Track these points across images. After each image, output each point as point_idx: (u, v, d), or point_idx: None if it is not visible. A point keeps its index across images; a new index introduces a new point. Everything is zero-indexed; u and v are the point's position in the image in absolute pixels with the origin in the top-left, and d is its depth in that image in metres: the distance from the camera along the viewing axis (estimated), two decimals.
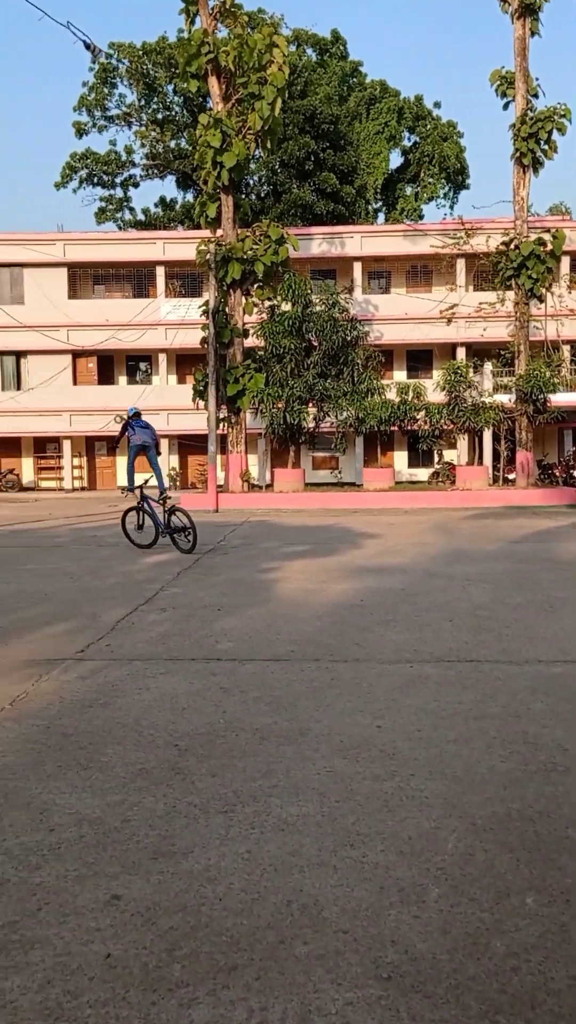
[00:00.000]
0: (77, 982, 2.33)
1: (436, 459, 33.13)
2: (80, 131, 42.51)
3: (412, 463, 36.14)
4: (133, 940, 2.52)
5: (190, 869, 2.94)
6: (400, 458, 36.52)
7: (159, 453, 14.03)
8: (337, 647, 6.31)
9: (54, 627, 7.36)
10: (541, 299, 28.18)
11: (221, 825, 3.27)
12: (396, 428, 26.89)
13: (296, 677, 5.46)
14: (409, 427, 26.92)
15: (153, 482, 13.47)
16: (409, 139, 45.96)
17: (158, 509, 13.15)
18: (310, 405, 26.14)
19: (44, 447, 37.24)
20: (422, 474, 34.39)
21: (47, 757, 4.06)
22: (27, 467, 37.42)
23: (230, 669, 5.69)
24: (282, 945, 2.50)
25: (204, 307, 26.08)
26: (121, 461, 37.40)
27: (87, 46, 17.49)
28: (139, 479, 13.45)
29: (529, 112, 26.07)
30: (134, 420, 13.58)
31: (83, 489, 36.44)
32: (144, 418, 13.99)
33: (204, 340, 25.78)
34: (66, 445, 35.97)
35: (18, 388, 35.73)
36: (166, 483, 13.66)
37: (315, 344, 26.35)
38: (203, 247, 25.80)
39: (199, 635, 6.85)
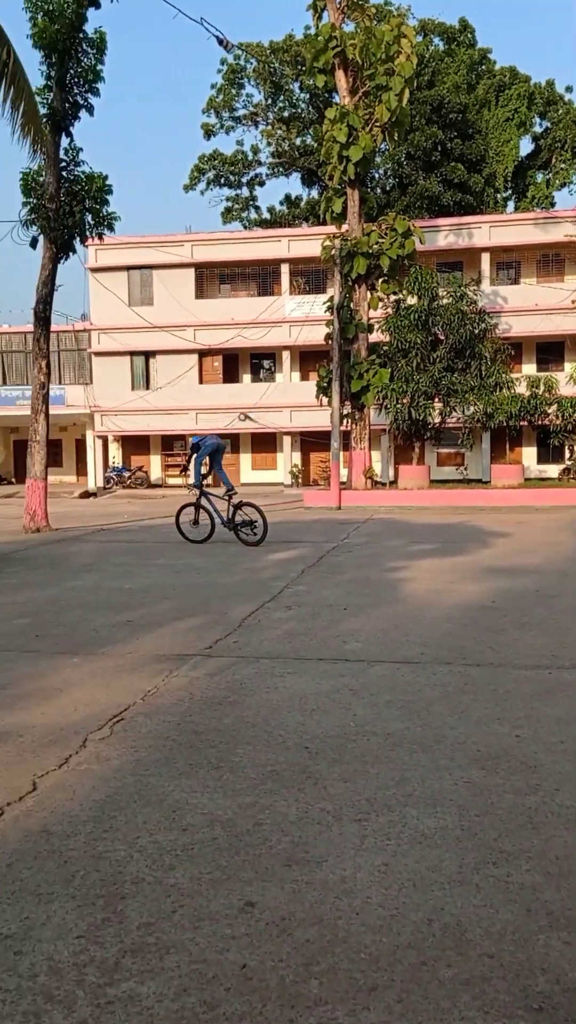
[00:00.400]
0: (213, 992, 2.27)
1: (568, 455, 32.00)
2: (208, 133, 43.26)
3: (542, 459, 35.04)
4: (269, 951, 2.46)
5: (325, 879, 2.85)
6: (529, 454, 35.47)
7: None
8: (470, 650, 6.11)
9: (183, 622, 7.44)
10: None
11: (355, 834, 3.17)
12: (525, 423, 26.12)
13: (428, 681, 5.30)
14: (539, 422, 26.09)
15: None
16: (540, 125, 44.54)
17: (222, 505, 13.94)
18: (436, 400, 25.69)
19: (171, 445, 38.10)
20: (552, 471, 33.29)
21: (178, 754, 4.06)
22: (155, 464, 38.38)
23: (359, 670, 5.59)
24: (424, 967, 2.38)
25: (328, 303, 26.03)
26: (245, 459, 37.88)
27: (220, 41, 17.86)
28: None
29: None
30: (202, 440, 14.59)
31: (208, 486, 37.13)
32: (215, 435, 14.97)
33: (328, 336, 25.74)
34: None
35: (147, 387, 36.65)
36: (231, 482, 14.57)
37: (442, 338, 25.88)
38: (328, 243, 25.75)
39: (326, 634, 6.77)
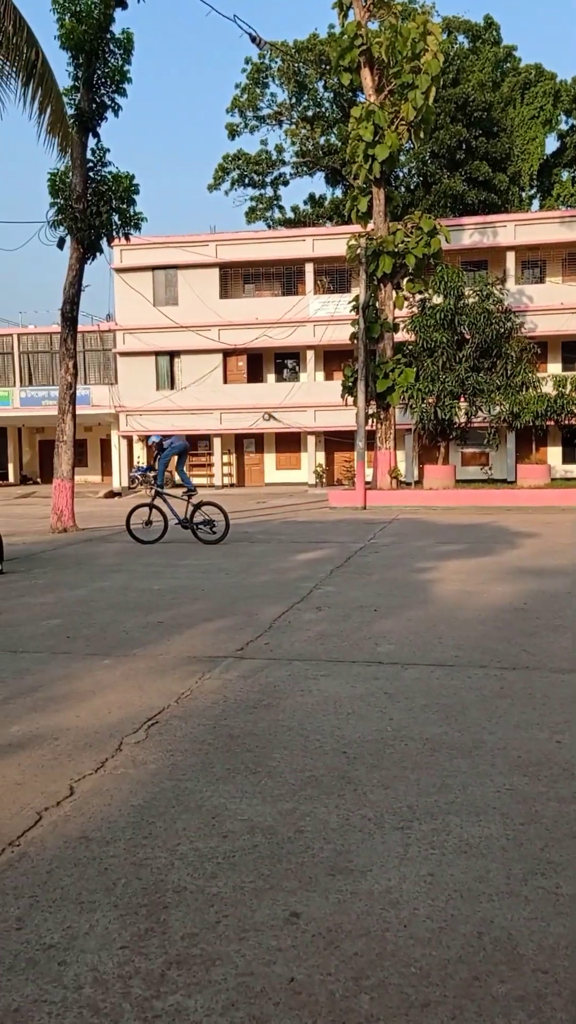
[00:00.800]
0: (262, 1007, 2.23)
1: None
2: (233, 133, 43.27)
3: (567, 459, 34.74)
4: (316, 964, 2.40)
5: (370, 889, 2.80)
6: (554, 454, 35.18)
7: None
8: (504, 653, 6.02)
9: (213, 623, 7.41)
10: None
11: (399, 843, 3.11)
12: (551, 423, 25.88)
13: (463, 684, 5.23)
14: (566, 422, 25.85)
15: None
16: (566, 123, 44.18)
17: (180, 505, 14.29)
18: (462, 400, 25.52)
19: (195, 444, 38.16)
20: None
21: (215, 759, 4.02)
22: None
23: (392, 673, 5.52)
24: (477, 982, 2.32)
25: (353, 302, 25.94)
26: (269, 458, 37.85)
27: (253, 39, 17.98)
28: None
29: None
30: (165, 440, 14.87)
31: (232, 486, 37.05)
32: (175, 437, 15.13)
33: (353, 336, 25.64)
34: (216, 442, 36.67)
35: (172, 387, 36.71)
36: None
37: (467, 337, 25.70)
38: (353, 242, 25.65)
39: (357, 636, 6.71)
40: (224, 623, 7.43)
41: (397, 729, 4.39)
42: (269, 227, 46.01)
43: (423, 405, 25.13)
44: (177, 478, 15.42)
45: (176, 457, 14.68)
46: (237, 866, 2.96)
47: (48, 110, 13.01)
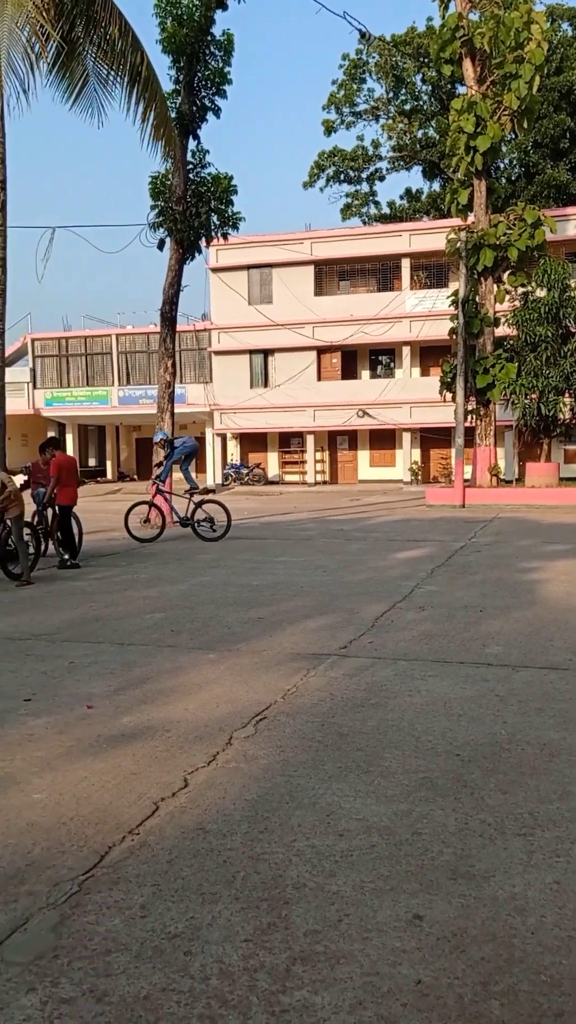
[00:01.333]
0: (390, 1007, 2.21)
1: None
2: (329, 129, 43.21)
3: None
4: (443, 967, 2.37)
5: (494, 895, 2.74)
6: None
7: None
8: None
9: (314, 621, 7.42)
10: None
11: (521, 849, 3.04)
12: None
13: None
14: None
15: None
16: None
17: (182, 504, 14.96)
18: (566, 395, 24.87)
19: (288, 442, 38.30)
20: None
21: (326, 756, 4.01)
22: (272, 461, 38.67)
23: (503, 676, 5.42)
24: None
25: (452, 297, 25.56)
26: (363, 455, 37.72)
27: (362, 35, 18.11)
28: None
29: None
30: (176, 440, 15.51)
31: (325, 483, 37.07)
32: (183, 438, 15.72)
33: (452, 331, 25.28)
34: (309, 440, 36.73)
35: (265, 385, 36.95)
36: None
37: (573, 331, 25.03)
38: (453, 235, 25.28)
39: (464, 637, 6.61)
40: (325, 620, 7.42)
41: (512, 733, 4.30)
42: (364, 223, 45.80)
43: (525, 401, 24.58)
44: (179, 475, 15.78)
45: (183, 457, 15.17)
46: (356, 865, 2.95)
47: (152, 114, 13.23)
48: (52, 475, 11.59)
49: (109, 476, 43.04)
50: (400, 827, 3.23)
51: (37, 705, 5.01)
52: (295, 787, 3.64)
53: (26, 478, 12.67)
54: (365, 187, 45.47)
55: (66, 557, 11.60)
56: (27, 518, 10.96)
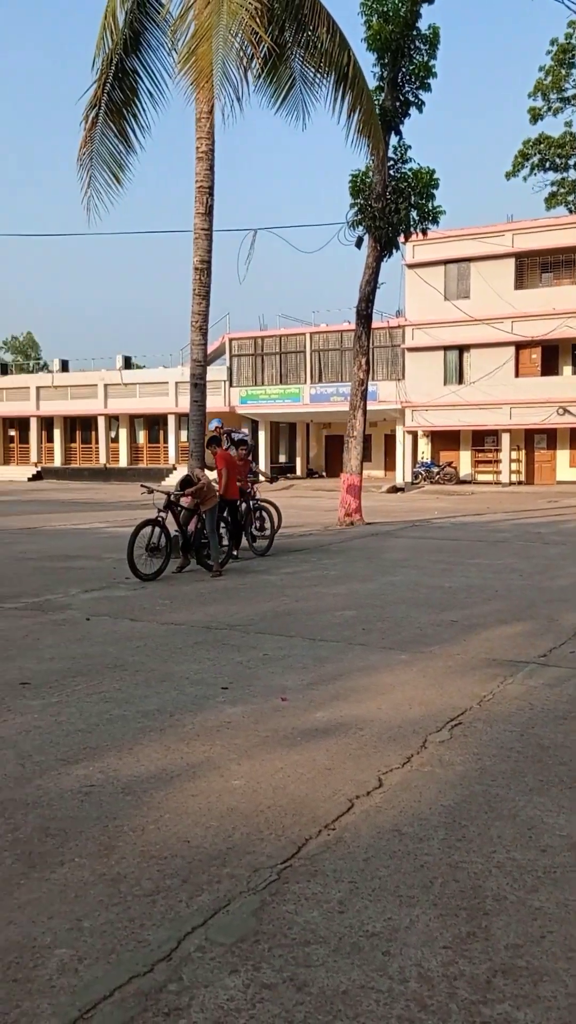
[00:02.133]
0: None
1: None
2: (535, 116, 41.86)
3: None
4: None
5: None
6: None
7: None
8: None
9: (510, 627, 7.23)
10: None
11: None
12: None
13: None
14: None
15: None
16: None
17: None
18: None
19: (482, 440, 37.48)
20: None
21: (526, 768, 3.91)
22: (464, 460, 38.00)
23: None
24: None
25: None
26: (563, 455, 36.29)
27: None
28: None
29: None
30: (234, 433, 13.15)
31: (520, 483, 36.00)
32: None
33: None
34: (504, 438, 35.78)
35: (460, 382, 36.36)
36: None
37: None
38: None
39: None
40: (522, 627, 7.22)
41: None
42: (571, 212, 44.02)
43: None
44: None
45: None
46: (559, 883, 2.86)
47: (358, 112, 13.32)
48: (219, 468, 11.43)
49: (299, 472, 43.84)
50: None
51: (234, 694, 5.19)
52: (493, 797, 3.58)
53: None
54: (573, 174, 43.68)
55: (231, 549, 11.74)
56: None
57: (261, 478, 13.88)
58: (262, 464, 40.14)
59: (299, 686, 5.37)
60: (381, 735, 4.39)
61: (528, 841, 3.16)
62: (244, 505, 12.49)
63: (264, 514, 12.71)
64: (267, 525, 12.75)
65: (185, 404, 39.09)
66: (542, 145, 41.78)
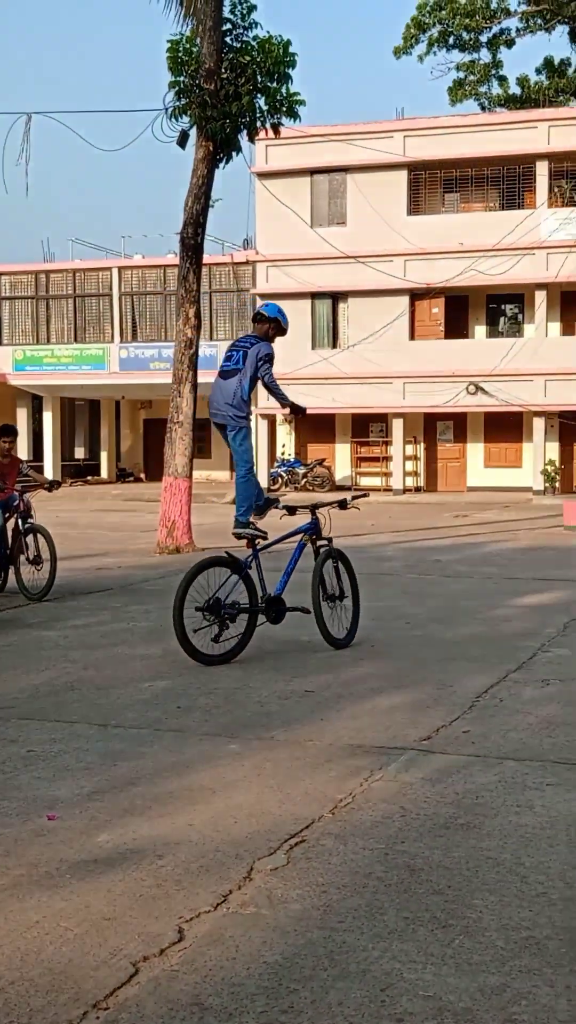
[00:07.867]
0: None
1: None
2: None
3: None
4: None
5: None
6: None
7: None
8: None
9: (387, 697, 7.45)
10: None
11: None
12: None
13: None
14: None
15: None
16: None
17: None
18: None
19: (366, 429, 38.25)
20: None
21: (387, 901, 4.04)
22: (342, 457, 38.62)
23: None
24: None
25: None
26: (474, 451, 37.43)
27: None
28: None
29: None
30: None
31: (418, 490, 36.96)
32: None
33: None
34: (396, 426, 36.60)
35: (334, 345, 37.01)
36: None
37: None
38: None
39: None
40: (404, 697, 7.46)
41: None
42: (484, 109, 45.84)
43: None
44: None
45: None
46: None
47: None
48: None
49: (105, 475, 43.49)
50: (486, 1011, 3.24)
51: None
52: (338, 946, 3.67)
53: None
54: (485, 55, 45.49)
55: None
56: None
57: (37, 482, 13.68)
58: (48, 462, 39.66)
59: (76, 797, 5.36)
60: (189, 865, 4.44)
61: (380, 1007, 3.26)
62: (13, 523, 12.35)
63: (41, 539, 12.57)
64: (44, 556, 12.57)
65: None
66: (443, 12, 43.19)
